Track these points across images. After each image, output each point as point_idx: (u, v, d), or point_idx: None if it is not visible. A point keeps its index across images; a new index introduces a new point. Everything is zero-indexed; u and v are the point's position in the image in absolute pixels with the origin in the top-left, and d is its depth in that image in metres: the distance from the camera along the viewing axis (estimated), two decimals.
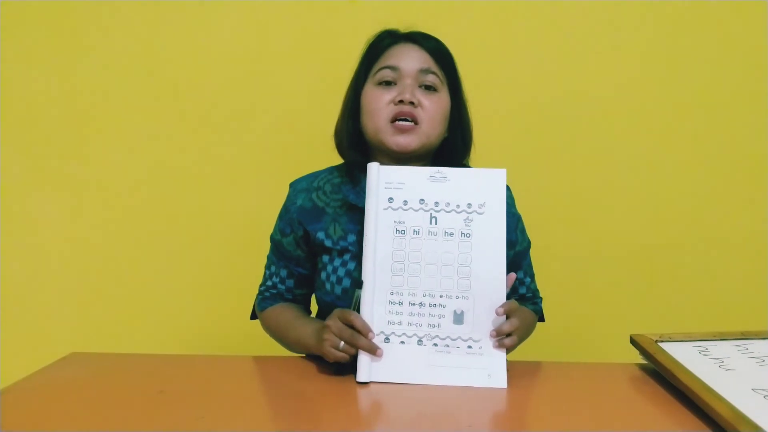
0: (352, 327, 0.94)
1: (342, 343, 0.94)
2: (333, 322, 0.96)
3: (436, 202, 1.00)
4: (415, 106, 1.06)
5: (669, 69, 1.70)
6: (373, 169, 1.02)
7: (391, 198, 1.00)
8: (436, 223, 0.99)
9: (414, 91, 1.06)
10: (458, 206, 0.99)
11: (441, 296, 0.97)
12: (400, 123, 1.06)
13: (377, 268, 0.98)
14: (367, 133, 1.11)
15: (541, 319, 1.21)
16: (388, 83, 1.08)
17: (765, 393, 0.82)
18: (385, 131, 1.07)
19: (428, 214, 0.99)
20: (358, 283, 0.97)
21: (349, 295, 1.06)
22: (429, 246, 0.98)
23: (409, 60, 1.08)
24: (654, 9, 1.68)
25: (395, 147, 1.06)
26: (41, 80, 1.74)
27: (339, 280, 1.08)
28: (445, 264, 0.98)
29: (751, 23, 1.68)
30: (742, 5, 1.67)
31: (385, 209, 1.00)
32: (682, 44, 1.69)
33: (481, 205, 0.99)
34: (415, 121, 1.06)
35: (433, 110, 1.07)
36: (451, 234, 0.98)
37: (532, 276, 1.21)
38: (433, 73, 1.09)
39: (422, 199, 1.00)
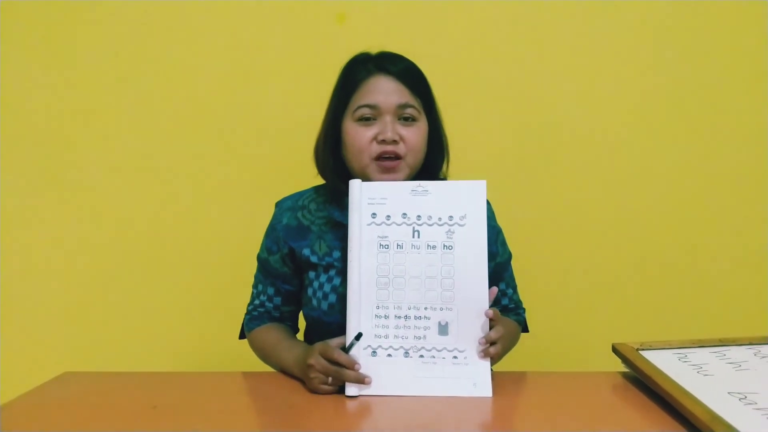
0: (336, 363, 0.96)
1: (330, 378, 0.96)
2: (315, 360, 0.97)
3: (419, 216, 1.02)
4: (398, 143, 1.08)
5: (659, 73, 1.71)
6: (356, 186, 1.04)
7: (374, 213, 1.03)
8: (418, 237, 1.01)
9: (395, 128, 1.08)
10: (440, 219, 1.01)
11: (426, 308, 0.99)
12: (385, 162, 1.08)
13: (362, 283, 1.00)
14: (350, 167, 1.13)
15: (525, 329, 1.23)
16: (368, 119, 1.09)
17: (740, 396, 0.85)
18: (371, 169, 1.09)
19: (411, 228, 1.02)
20: (357, 335, 0.98)
21: (335, 310, 1.09)
22: (412, 259, 1.01)
23: (387, 95, 1.09)
24: (643, 14, 1.69)
25: None
26: (41, 87, 1.74)
27: (325, 296, 1.11)
28: (429, 277, 1.00)
29: (751, 24, 1.69)
30: (742, 6, 1.68)
31: (368, 225, 1.02)
32: (676, 46, 1.70)
33: (462, 217, 1.01)
34: (398, 156, 1.09)
35: (414, 141, 1.10)
36: (434, 247, 1.01)
37: (514, 287, 1.23)
38: (411, 106, 1.10)
39: (405, 213, 1.02)
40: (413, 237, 1.01)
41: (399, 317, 0.99)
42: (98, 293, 1.77)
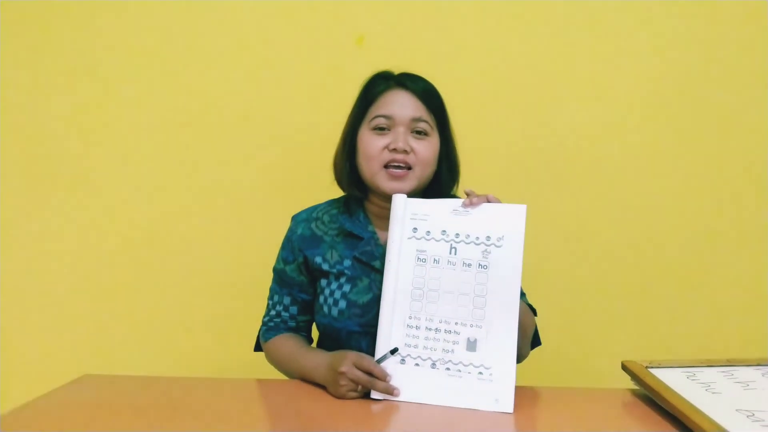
0: (370, 374, 1.00)
1: (359, 386, 1.00)
2: (348, 369, 1.00)
3: (457, 234, 1.05)
4: (408, 153, 1.14)
5: (670, 86, 1.73)
6: (400, 200, 1.09)
7: (415, 228, 1.07)
8: (455, 254, 1.05)
9: (407, 139, 1.14)
10: (477, 238, 1.05)
11: (456, 323, 1.02)
12: (394, 170, 1.14)
13: (398, 293, 1.04)
14: (362, 174, 1.19)
15: (537, 340, 1.24)
16: (382, 129, 1.16)
17: (748, 413, 0.88)
18: (379, 176, 1.15)
19: (449, 244, 1.05)
20: (393, 350, 1.02)
21: (344, 316, 1.14)
22: (448, 275, 1.04)
23: (402, 108, 1.15)
24: (650, 24, 1.72)
25: (390, 192, 1.14)
26: (45, 94, 1.76)
27: (335, 302, 1.15)
28: (462, 293, 1.03)
29: (750, 24, 1.71)
30: (742, 6, 1.71)
31: (409, 238, 1.06)
32: (684, 55, 1.72)
33: (499, 238, 1.04)
34: (409, 166, 1.14)
35: (424, 155, 1.15)
36: (469, 265, 1.04)
37: (523, 294, 1.20)
38: (425, 121, 1.16)
39: (444, 231, 1.06)
40: (450, 253, 1.05)
41: (430, 329, 1.02)
42: (116, 299, 1.79)
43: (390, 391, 0.99)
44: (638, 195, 1.75)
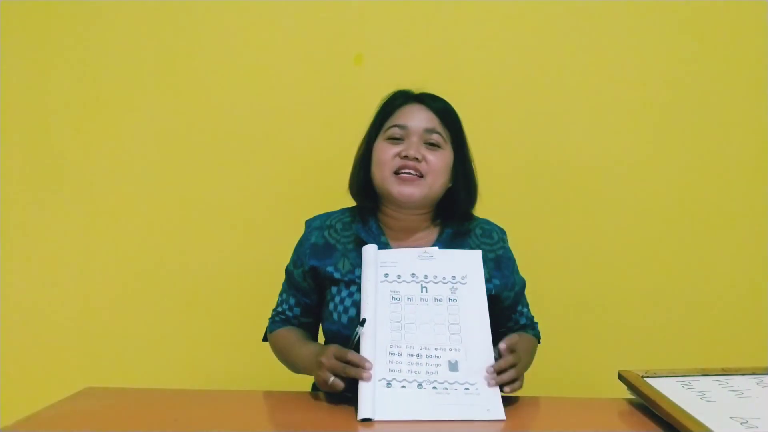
0: (347, 362, 1.01)
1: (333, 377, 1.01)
2: (327, 359, 1.03)
3: (425, 275, 1.14)
4: (420, 162, 1.17)
5: (673, 101, 1.74)
6: (370, 251, 1.15)
7: (386, 274, 1.13)
8: (426, 292, 1.12)
9: (419, 148, 1.18)
10: (444, 278, 1.13)
11: (436, 348, 1.05)
12: (405, 175, 1.17)
13: (378, 326, 1.07)
14: (374, 182, 1.23)
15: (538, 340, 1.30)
16: (397, 139, 1.20)
17: (742, 420, 0.89)
18: (390, 181, 1.18)
19: (419, 285, 1.13)
20: (362, 321, 1.04)
21: (354, 324, 1.13)
22: (422, 309, 1.10)
23: (417, 120, 1.21)
24: (657, 41, 1.75)
25: (399, 197, 1.18)
26: (47, 98, 1.79)
27: (346, 310, 1.17)
28: (437, 323, 1.09)
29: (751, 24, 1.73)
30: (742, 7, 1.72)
31: (381, 282, 1.12)
32: (687, 68, 1.74)
33: (463, 277, 1.13)
34: (420, 174, 1.17)
35: (435, 164, 1.19)
36: (440, 300, 1.11)
37: (527, 305, 1.32)
38: (438, 132, 1.21)
39: (413, 274, 1.14)
40: (422, 292, 1.12)
41: (411, 355, 1.05)
42: (118, 309, 1.81)
43: (360, 375, 0.99)
44: (634, 206, 1.77)
